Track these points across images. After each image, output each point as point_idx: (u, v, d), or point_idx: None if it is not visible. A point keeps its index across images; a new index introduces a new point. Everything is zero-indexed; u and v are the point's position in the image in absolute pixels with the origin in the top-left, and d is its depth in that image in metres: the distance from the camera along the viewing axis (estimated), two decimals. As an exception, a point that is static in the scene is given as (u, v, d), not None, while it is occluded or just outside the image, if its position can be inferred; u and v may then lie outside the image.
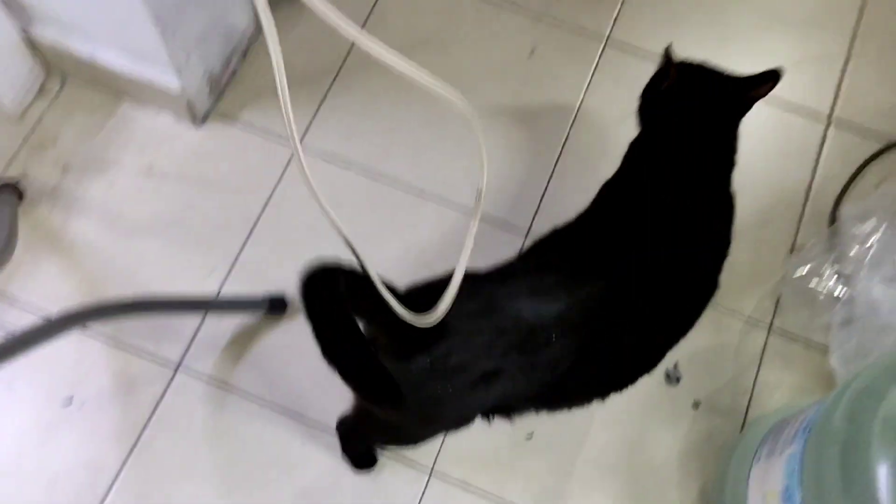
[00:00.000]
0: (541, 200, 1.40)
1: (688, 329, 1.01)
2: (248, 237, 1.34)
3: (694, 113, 1.06)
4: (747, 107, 1.08)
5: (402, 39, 1.50)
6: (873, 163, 1.43)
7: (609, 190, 1.06)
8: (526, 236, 1.37)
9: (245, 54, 1.44)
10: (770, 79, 1.06)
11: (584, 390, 0.98)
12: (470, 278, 0.77)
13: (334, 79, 1.46)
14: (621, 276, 0.92)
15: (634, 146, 1.10)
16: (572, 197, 1.08)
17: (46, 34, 1.31)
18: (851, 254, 1.13)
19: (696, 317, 1.00)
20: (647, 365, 1.00)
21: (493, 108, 1.46)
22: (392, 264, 1.33)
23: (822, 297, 1.22)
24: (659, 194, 1.01)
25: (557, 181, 1.41)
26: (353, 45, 1.47)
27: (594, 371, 0.94)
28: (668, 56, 1.12)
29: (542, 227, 1.35)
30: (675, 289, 0.97)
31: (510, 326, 0.84)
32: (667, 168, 1.04)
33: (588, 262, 0.94)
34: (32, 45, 1.34)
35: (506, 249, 1.33)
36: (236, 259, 1.32)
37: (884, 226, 1.09)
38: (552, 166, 1.42)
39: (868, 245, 1.11)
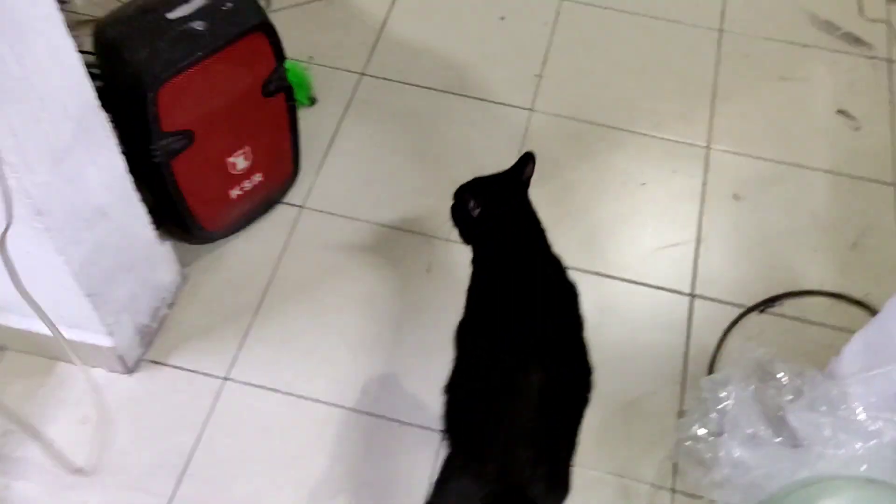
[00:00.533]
0: (452, 400, 1.54)
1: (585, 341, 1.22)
2: (183, 473, 1.42)
3: (499, 214, 1.33)
4: (526, 186, 1.37)
5: (313, 267, 1.69)
6: (734, 328, 1.64)
7: (474, 304, 1.28)
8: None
9: (172, 304, 1.60)
10: (527, 160, 1.36)
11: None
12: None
13: (255, 314, 1.62)
14: (537, 350, 1.15)
15: (478, 260, 1.33)
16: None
17: (-16, 315, 1.44)
18: (713, 416, 1.30)
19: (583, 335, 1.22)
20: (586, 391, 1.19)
21: (401, 319, 1.63)
22: (322, 481, 1.44)
23: (707, 457, 1.36)
24: (516, 277, 1.25)
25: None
26: (270, 281, 1.66)
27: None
28: (464, 194, 1.36)
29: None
30: (561, 325, 1.21)
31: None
32: (510, 257, 1.29)
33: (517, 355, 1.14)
34: (-28, 326, 1.47)
35: (422, 448, 1.47)
36: (173, 497, 1.40)
37: (735, 392, 1.27)
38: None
39: (727, 410, 1.28)
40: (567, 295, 1.26)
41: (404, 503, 1.42)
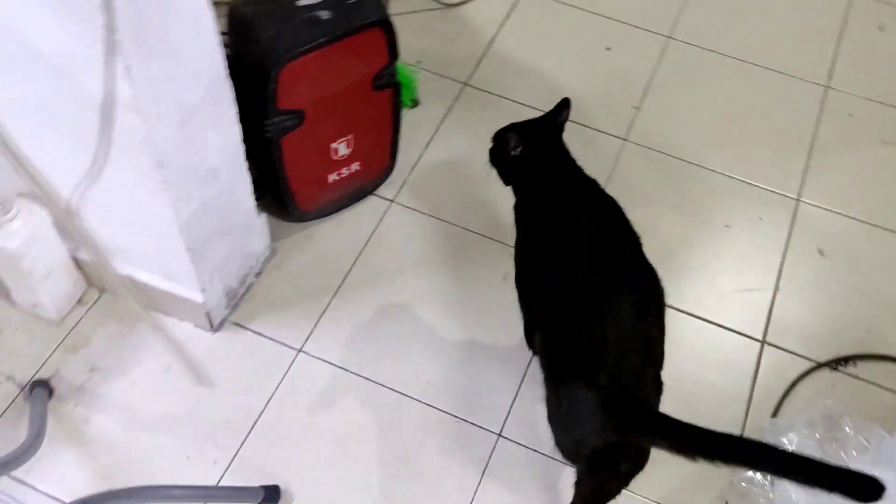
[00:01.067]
0: (512, 404, 1.57)
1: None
2: (249, 432, 1.49)
3: (540, 151, 1.45)
4: (562, 129, 1.50)
5: (395, 259, 1.75)
6: (803, 380, 1.62)
7: (533, 243, 1.37)
8: (499, 435, 1.53)
9: (259, 273, 1.68)
10: (564, 106, 1.49)
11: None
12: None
13: (334, 295, 1.69)
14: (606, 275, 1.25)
15: (524, 200, 1.44)
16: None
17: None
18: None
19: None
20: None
21: (472, 321, 1.68)
22: (376, 463, 1.48)
23: (760, 502, 1.35)
24: (568, 205, 1.36)
25: (528, 385, 1.59)
26: (352, 267, 1.73)
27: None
28: (504, 135, 1.46)
29: (514, 431, 1.53)
30: (623, 240, 1.33)
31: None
32: (557, 190, 1.40)
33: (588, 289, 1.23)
34: (78, 265, 1.58)
35: (477, 447, 1.50)
36: (237, 452, 1.47)
37: (798, 439, 1.26)
38: (523, 372, 1.61)
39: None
40: (616, 211, 1.36)
41: (452, 497, 1.46)
